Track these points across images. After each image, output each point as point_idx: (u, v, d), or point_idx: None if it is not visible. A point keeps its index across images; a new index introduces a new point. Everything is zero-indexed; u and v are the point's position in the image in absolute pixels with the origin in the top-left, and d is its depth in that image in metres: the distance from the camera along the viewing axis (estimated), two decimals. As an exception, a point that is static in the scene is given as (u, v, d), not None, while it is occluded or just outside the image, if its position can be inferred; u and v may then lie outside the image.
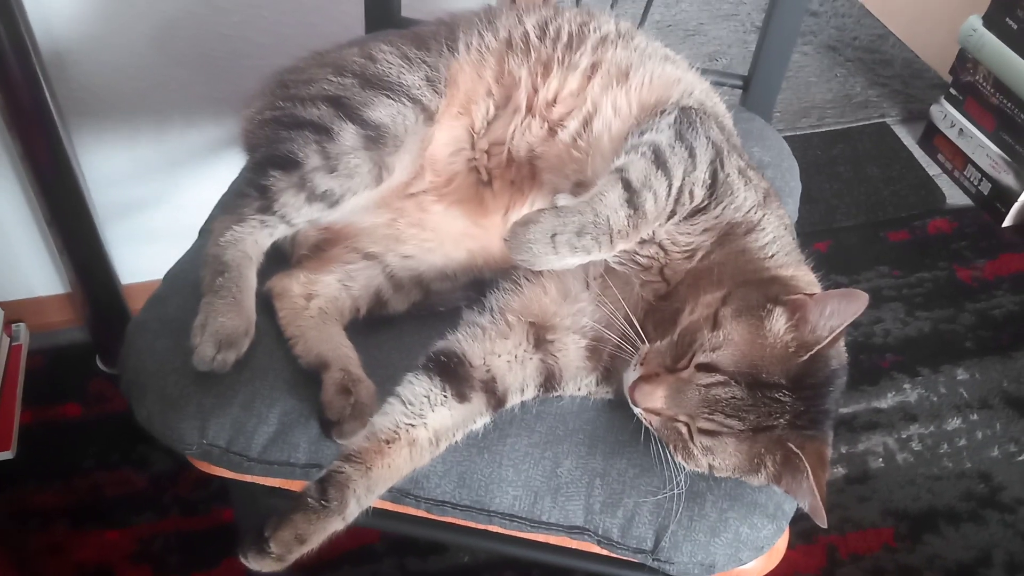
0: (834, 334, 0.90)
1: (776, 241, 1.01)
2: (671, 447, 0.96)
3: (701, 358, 0.92)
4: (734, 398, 0.91)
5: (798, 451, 0.90)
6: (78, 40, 1.61)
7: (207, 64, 1.70)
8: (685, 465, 0.96)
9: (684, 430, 0.94)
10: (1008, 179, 2.35)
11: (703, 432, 0.93)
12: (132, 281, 1.94)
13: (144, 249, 1.90)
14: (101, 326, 1.93)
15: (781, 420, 0.91)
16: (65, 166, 1.68)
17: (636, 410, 0.96)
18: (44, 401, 1.88)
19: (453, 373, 1.00)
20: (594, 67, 1.12)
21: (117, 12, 1.60)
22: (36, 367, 1.94)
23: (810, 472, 0.89)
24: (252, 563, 0.92)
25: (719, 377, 0.91)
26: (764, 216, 1.02)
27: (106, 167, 1.79)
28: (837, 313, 0.89)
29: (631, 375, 0.96)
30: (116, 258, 1.89)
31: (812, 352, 0.90)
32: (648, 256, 1.01)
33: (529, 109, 1.13)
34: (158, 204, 1.89)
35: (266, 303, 1.08)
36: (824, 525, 0.90)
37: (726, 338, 0.91)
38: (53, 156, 1.66)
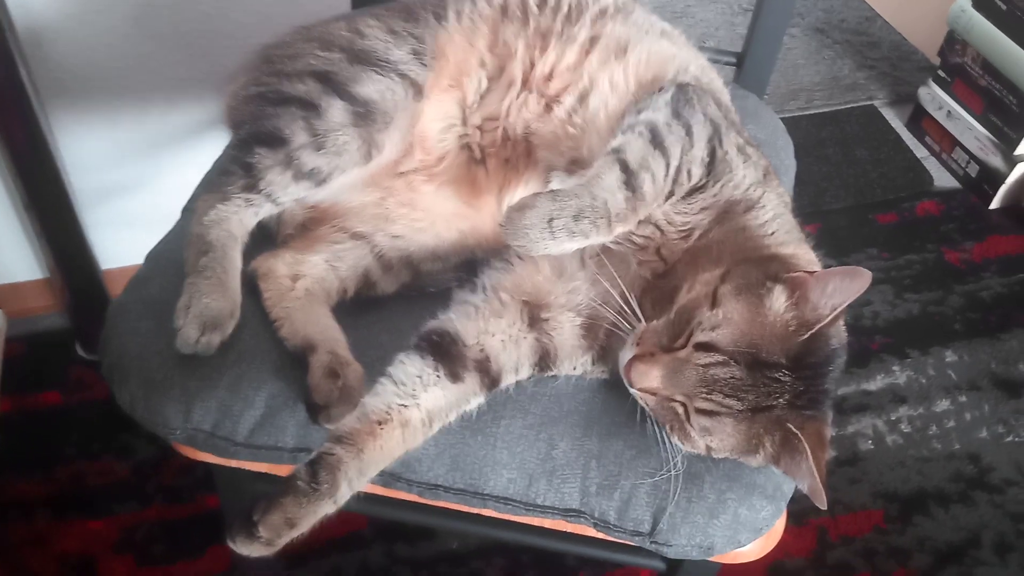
0: (835, 312, 0.88)
1: (776, 219, 1.00)
2: (667, 428, 0.94)
3: (700, 337, 0.90)
4: (733, 378, 0.89)
5: (797, 432, 0.89)
6: (56, 18, 1.57)
7: (189, 43, 1.67)
8: (682, 446, 0.95)
9: (681, 410, 0.92)
10: (996, 161, 2.35)
11: (701, 412, 0.91)
12: (112, 266, 1.91)
13: (124, 233, 1.87)
14: (81, 312, 1.90)
15: (780, 400, 0.90)
16: (43, 149, 1.65)
17: (632, 390, 0.95)
18: (23, 389, 1.85)
19: (446, 353, 0.98)
20: (592, 41, 1.10)
21: (96, -11, 1.57)
22: (14, 354, 1.90)
23: (809, 453, 0.88)
24: (241, 547, 0.90)
25: (718, 357, 0.89)
26: (764, 193, 1.00)
27: (85, 150, 1.75)
28: (839, 291, 0.88)
29: (626, 354, 0.94)
30: (96, 243, 1.86)
31: (813, 331, 0.89)
32: (644, 236, 1.00)
33: (525, 83, 1.10)
34: (138, 187, 1.85)
35: (251, 284, 1.05)
36: (824, 507, 0.89)
37: (725, 317, 0.90)
38: (30, 138, 1.63)
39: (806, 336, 0.89)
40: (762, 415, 0.90)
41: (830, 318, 0.89)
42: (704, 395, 0.90)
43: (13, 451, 1.75)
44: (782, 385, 0.89)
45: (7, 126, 1.60)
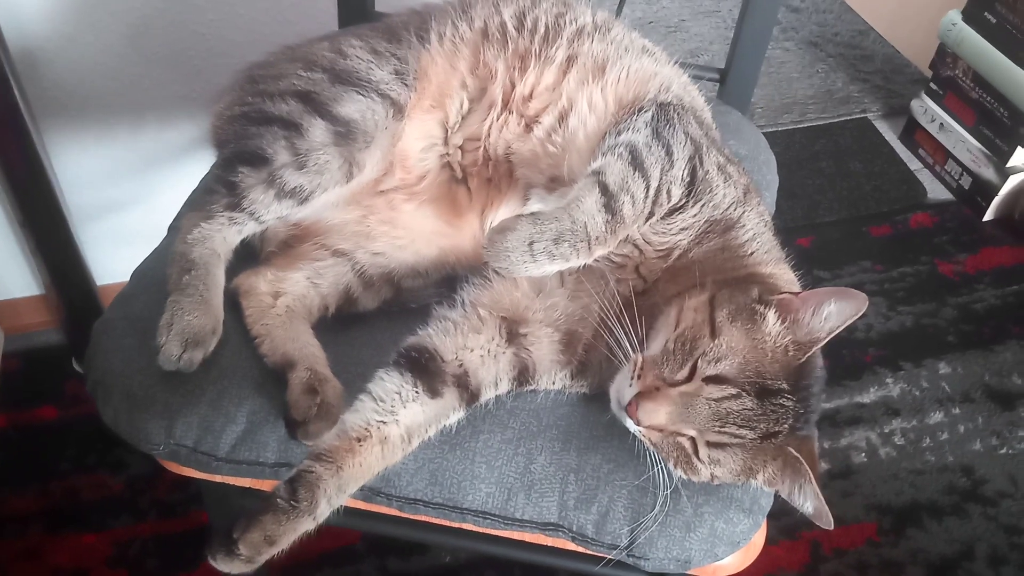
0: (833, 334, 0.89)
1: (756, 239, 1.00)
2: (670, 462, 0.94)
3: (708, 370, 0.89)
4: (745, 409, 0.89)
5: (798, 455, 0.89)
6: (50, 38, 1.59)
7: (182, 62, 1.69)
8: (685, 477, 0.94)
9: (688, 444, 0.92)
10: (988, 173, 2.35)
11: (711, 445, 0.91)
12: (107, 282, 1.92)
13: (119, 250, 1.88)
14: (76, 327, 1.91)
15: (786, 425, 0.90)
16: (38, 166, 1.66)
17: (633, 428, 0.94)
18: (19, 404, 1.86)
19: (424, 368, 0.99)
20: (569, 61, 1.10)
21: (90, 9, 1.58)
22: (11, 370, 1.92)
23: (813, 476, 0.88)
24: (221, 565, 0.91)
25: (730, 390, 0.89)
26: (744, 213, 1.01)
27: (80, 167, 1.77)
28: (835, 314, 0.88)
29: (627, 392, 0.93)
30: (91, 259, 1.87)
31: (810, 353, 0.89)
32: (623, 255, 1.00)
33: (506, 104, 1.11)
34: (133, 204, 1.87)
35: (233, 301, 1.06)
36: (831, 526, 0.90)
37: (729, 346, 0.89)
38: (25, 156, 1.64)
39: (803, 359, 0.90)
40: (769, 441, 0.91)
41: (827, 340, 0.89)
42: (717, 428, 0.90)
43: (9, 466, 1.76)
44: (787, 410, 0.90)
45: (2, 145, 1.61)
